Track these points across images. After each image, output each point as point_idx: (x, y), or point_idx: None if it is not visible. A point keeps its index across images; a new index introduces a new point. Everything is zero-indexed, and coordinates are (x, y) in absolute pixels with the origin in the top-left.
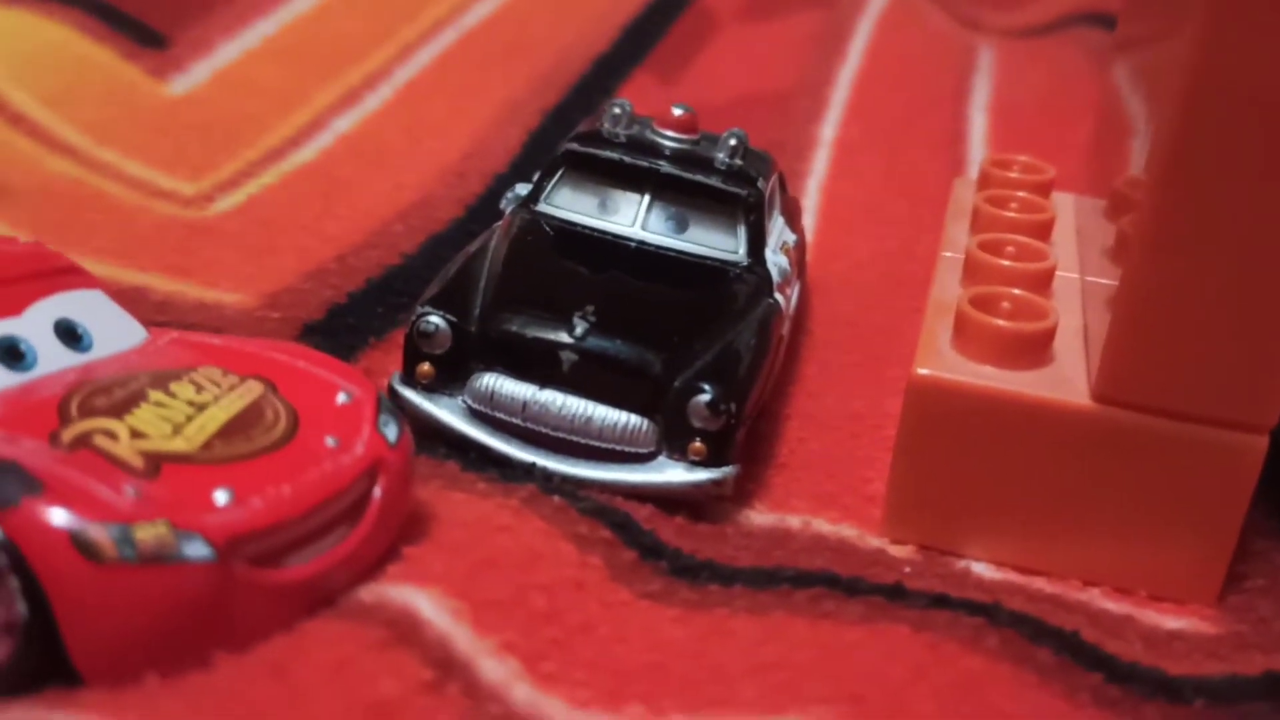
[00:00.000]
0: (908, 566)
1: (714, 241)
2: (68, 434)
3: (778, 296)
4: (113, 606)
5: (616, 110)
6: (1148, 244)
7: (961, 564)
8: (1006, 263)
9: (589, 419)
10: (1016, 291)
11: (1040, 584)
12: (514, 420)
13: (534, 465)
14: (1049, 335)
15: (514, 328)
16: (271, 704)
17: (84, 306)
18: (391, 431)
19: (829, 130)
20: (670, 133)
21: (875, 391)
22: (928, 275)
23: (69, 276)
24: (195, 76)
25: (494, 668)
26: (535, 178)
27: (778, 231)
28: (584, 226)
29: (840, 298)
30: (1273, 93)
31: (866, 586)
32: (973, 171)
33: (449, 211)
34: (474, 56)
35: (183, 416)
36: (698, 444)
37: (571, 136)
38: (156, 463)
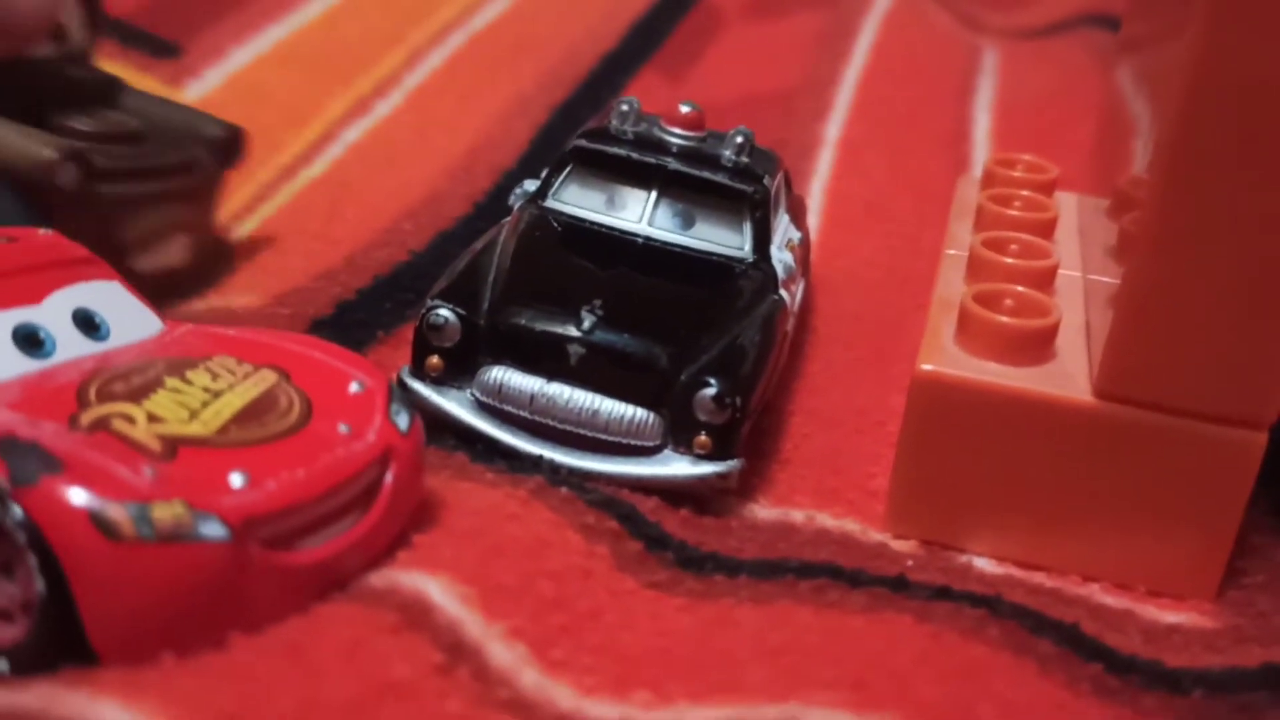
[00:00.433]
0: (910, 560)
1: (720, 238)
2: (86, 417)
3: (783, 293)
4: (130, 584)
5: (624, 107)
6: (1150, 242)
7: (963, 559)
8: (1010, 260)
9: (596, 412)
10: (1020, 289)
11: (1041, 579)
12: (522, 413)
13: (541, 457)
14: (1051, 332)
15: (522, 321)
16: (285, 684)
17: (102, 296)
18: (403, 420)
19: (834, 129)
20: (677, 130)
21: (879, 388)
22: (931, 273)
23: (87, 267)
24: (209, 82)
25: (503, 652)
26: (543, 174)
27: (783, 229)
28: (591, 222)
29: (844, 295)
30: (1274, 92)
31: (870, 578)
32: (977, 170)
33: (457, 208)
34: (483, 57)
35: (199, 402)
36: (703, 437)
37: (579, 133)
38: (173, 446)
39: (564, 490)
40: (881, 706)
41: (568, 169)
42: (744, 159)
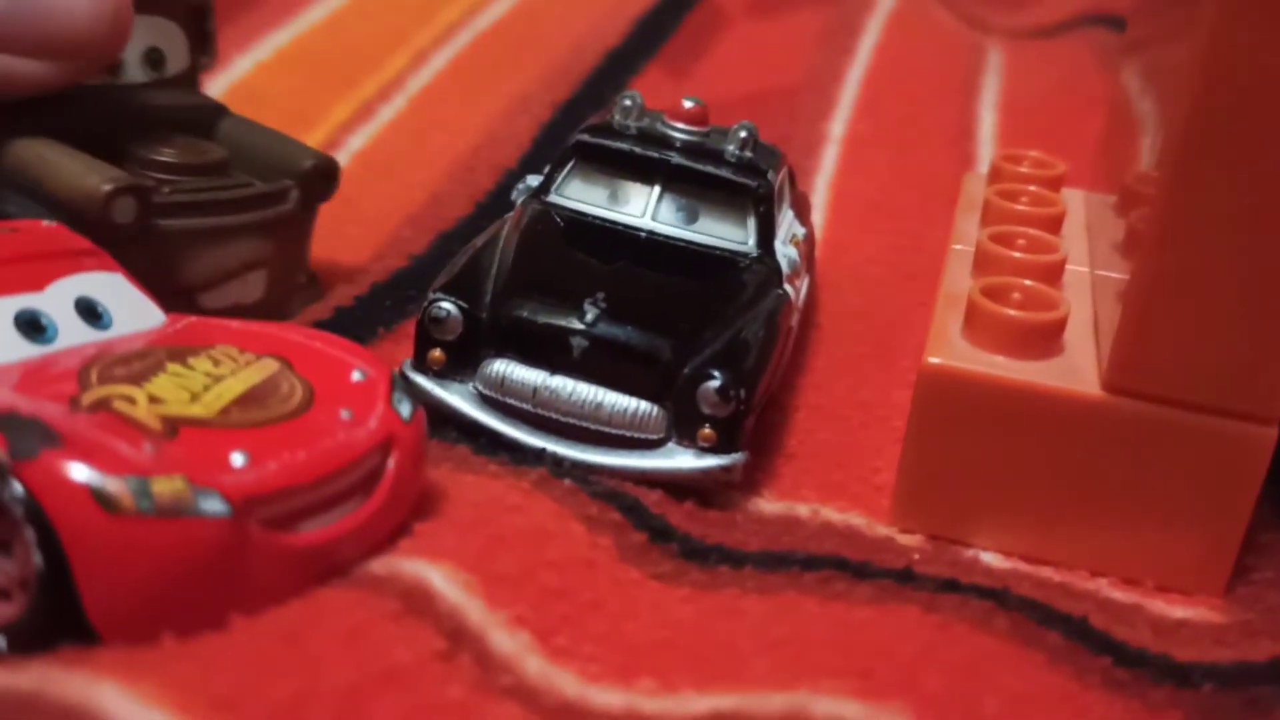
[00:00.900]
0: (916, 554)
1: (724, 232)
2: (87, 398)
3: (787, 287)
4: (129, 559)
5: (627, 102)
6: (1159, 235)
7: (969, 553)
8: (1017, 254)
9: (599, 405)
10: (1027, 282)
11: (1048, 573)
12: (525, 406)
13: (544, 450)
14: (1060, 325)
15: (525, 314)
16: (285, 668)
17: (104, 287)
18: (405, 408)
19: (838, 127)
20: (681, 125)
21: (884, 383)
22: (937, 270)
23: (91, 258)
24: (211, 90)
25: (505, 640)
26: (546, 169)
27: (787, 224)
28: (595, 217)
29: (849, 292)
30: None
31: (876, 570)
32: (982, 168)
33: (458, 209)
34: (487, 57)
35: (200, 386)
36: (707, 430)
37: (582, 128)
38: (174, 425)
39: (567, 482)
40: (888, 696)
41: (570, 164)
42: (748, 154)
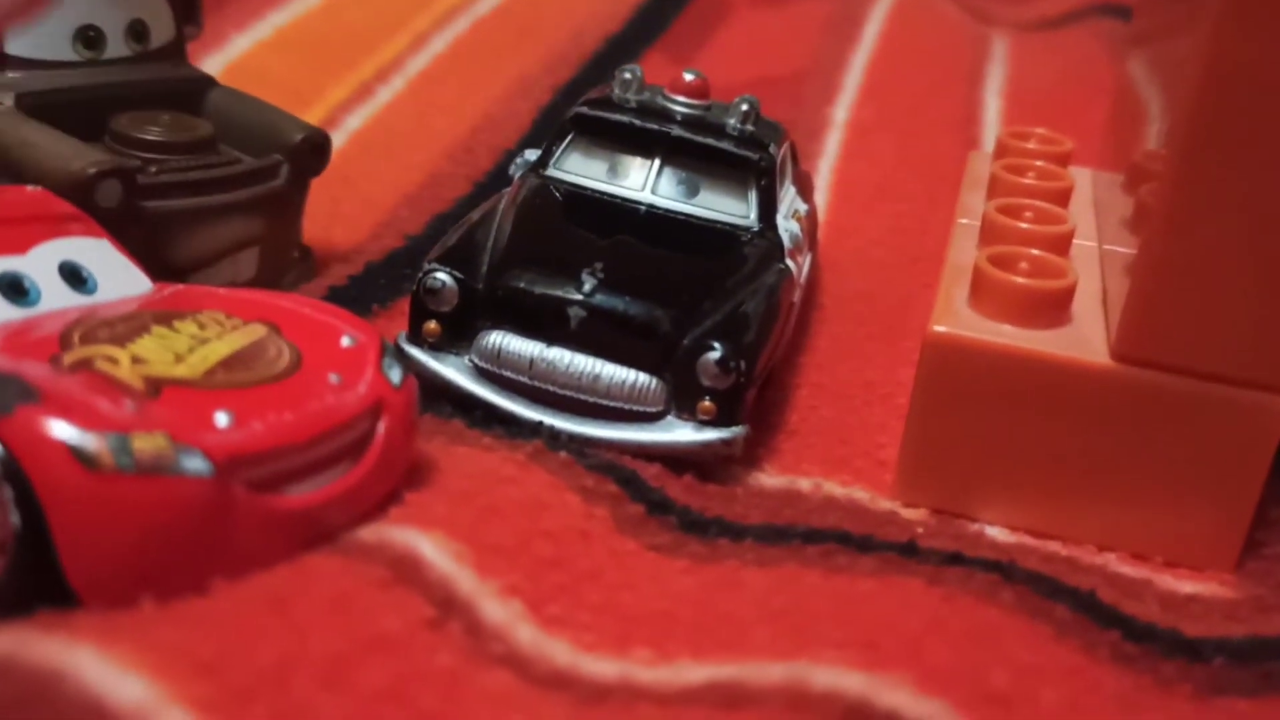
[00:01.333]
0: (920, 528)
1: (725, 206)
2: (68, 357)
3: (789, 262)
4: (109, 517)
5: (627, 75)
6: (1171, 202)
7: (974, 527)
8: (1025, 225)
9: (597, 377)
10: (1035, 252)
11: (1055, 547)
12: (521, 378)
13: (541, 423)
14: (1068, 294)
15: (522, 284)
16: (269, 634)
17: (90, 252)
18: (395, 374)
19: (842, 112)
20: (681, 98)
21: (888, 363)
22: (941, 252)
23: (76, 224)
24: (208, 69)
25: (497, 609)
26: (545, 143)
27: (789, 199)
28: (594, 190)
29: (853, 273)
30: None
31: (879, 544)
32: (987, 151)
33: (456, 190)
34: (486, 41)
35: (185, 348)
36: (707, 403)
37: (581, 101)
38: (157, 385)
39: (563, 455)
40: (892, 667)
41: (569, 137)
42: (749, 127)
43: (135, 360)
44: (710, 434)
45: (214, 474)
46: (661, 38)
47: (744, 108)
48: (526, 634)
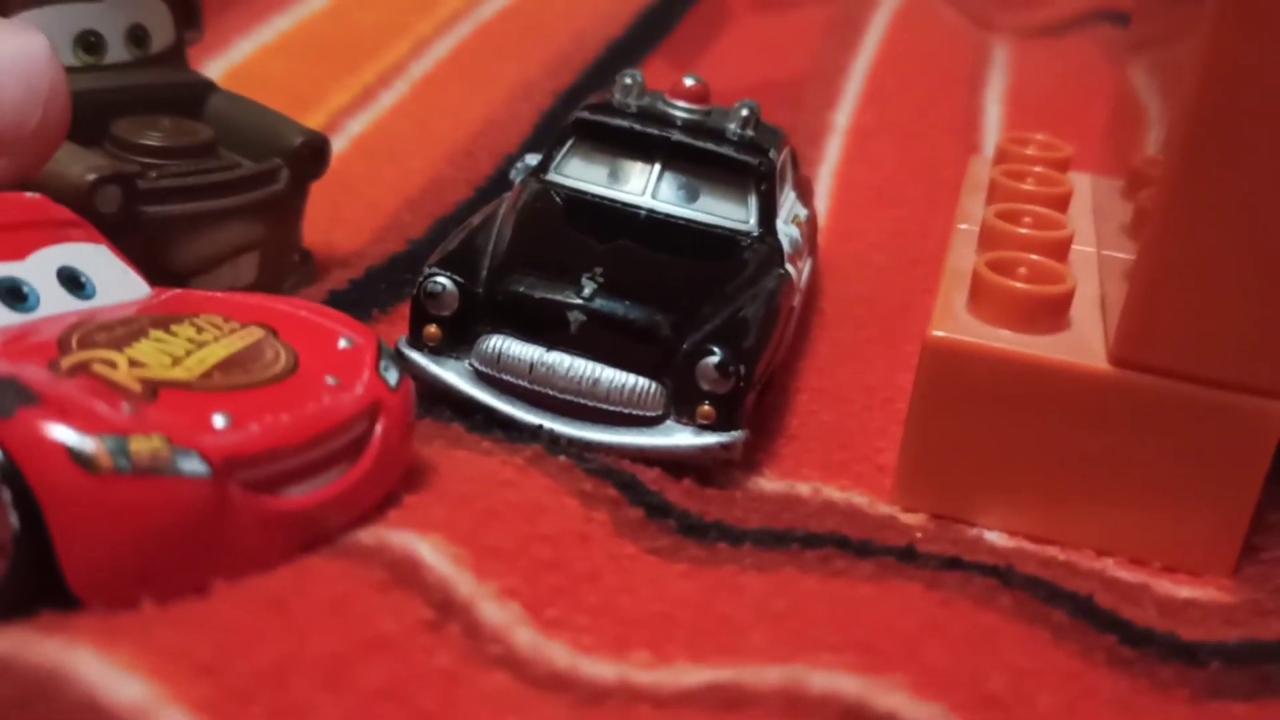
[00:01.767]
0: (919, 532)
1: (725, 211)
2: (66, 361)
3: (789, 267)
4: (107, 519)
5: (627, 80)
6: (1169, 208)
7: (973, 532)
8: (1024, 230)
9: (596, 381)
10: (1034, 257)
11: (1053, 552)
12: (521, 382)
13: (540, 427)
14: (1066, 299)
15: (522, 288)
16: (267, 636)
17: (88, 258)
18: (392, 376)
19: (842, 117)
20: (681, 103)
21: (888, 367)
22: (940, 256)
23: (75, 229)
24: (211, 73)
25: (495, 611)
26: (545, 147)
27: (789, 204)
28: (594, 195)
29: (853, 278)
30: None
31: (877, 548)
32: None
33: (458, 194)
34: (489, 46)
35: (182, 351)
36: (706, 407)
37: (582, 106)
38: (154, 388)
39: (562, 459)
40: (889, 670)
41: (569, 142)
42: (749, 132)
43: (133, 364)
44: (709, 438)
45: (211, 475)
46: (663, 43)
47: (744, 113)
48: (525, 636)
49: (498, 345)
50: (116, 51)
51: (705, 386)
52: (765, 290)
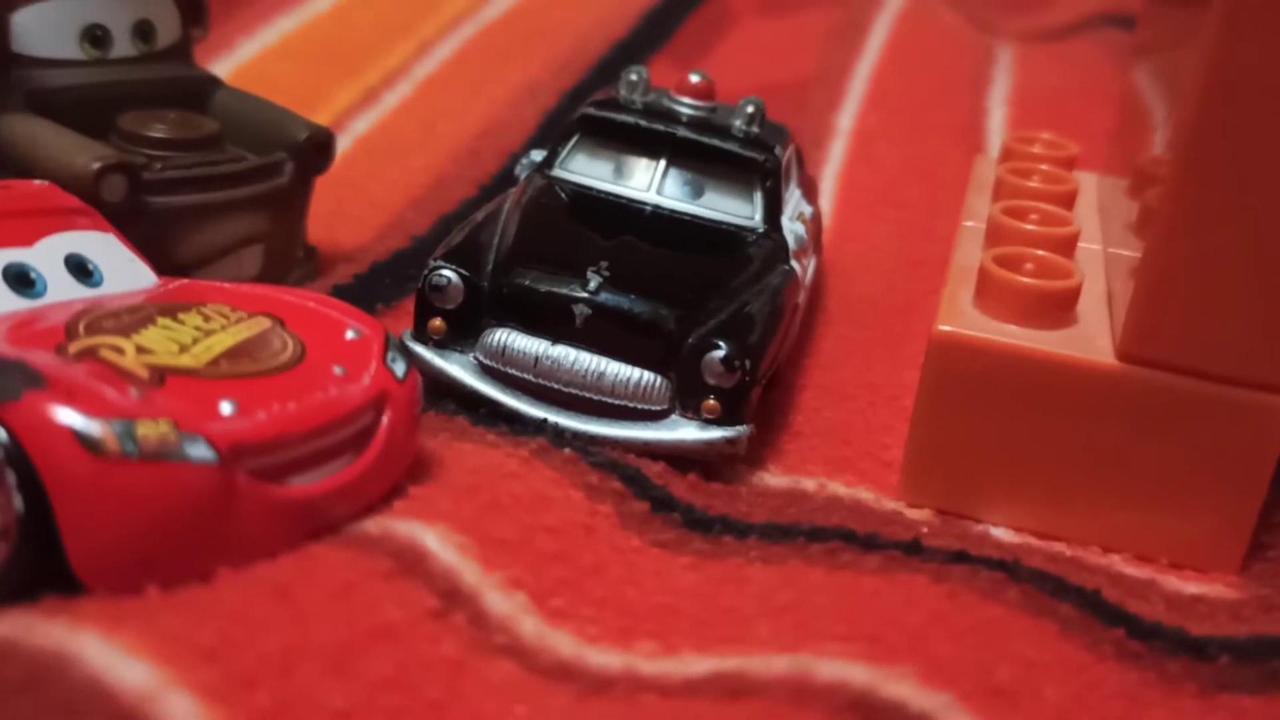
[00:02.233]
0: (925, 527)
1: (730, 207)
2: (74, 347)
3: (794, 264)
4: (113, 503)
5: (633, 77)
6: (1175, 200)
7: (979, 528)
8: (1030, 227)
9: (601, 375)
10: (1040, 253)
11: (1060, 548)
12: (525, 376)
13: (545, 420)
14: (1073, 294)
15: (527, 282)
16: (272, 622)
17: (96, 246)
18: (399, 368)
19: (846, 120)
20: (687, 99)
21: (893, 365)
22: (945, 256)
23: (82, 218)
24: (217, 74)
25: (501, 601)
26: (551, 143)
27: (795, 201)
28: (599, 191)
29: (857, 278)
30: None
31: (883, 542)
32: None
33: (462, 192)
34: (493, 48)
35: (190, 339)
36: (711, 402)
37: (588, 102)
38: (162, 374)
39: (567, 452)
40: (896, 660)
41: (575, 138)
42: (755, 129)
43: (140, 350)
44: (714, 433)
45: (218, 461)
46: (667, 45)
47: (749, 110)
48: (530, 626)
49: (502, 339)
50: (123, 46)
51: (710, 381)
52: (770, 286)
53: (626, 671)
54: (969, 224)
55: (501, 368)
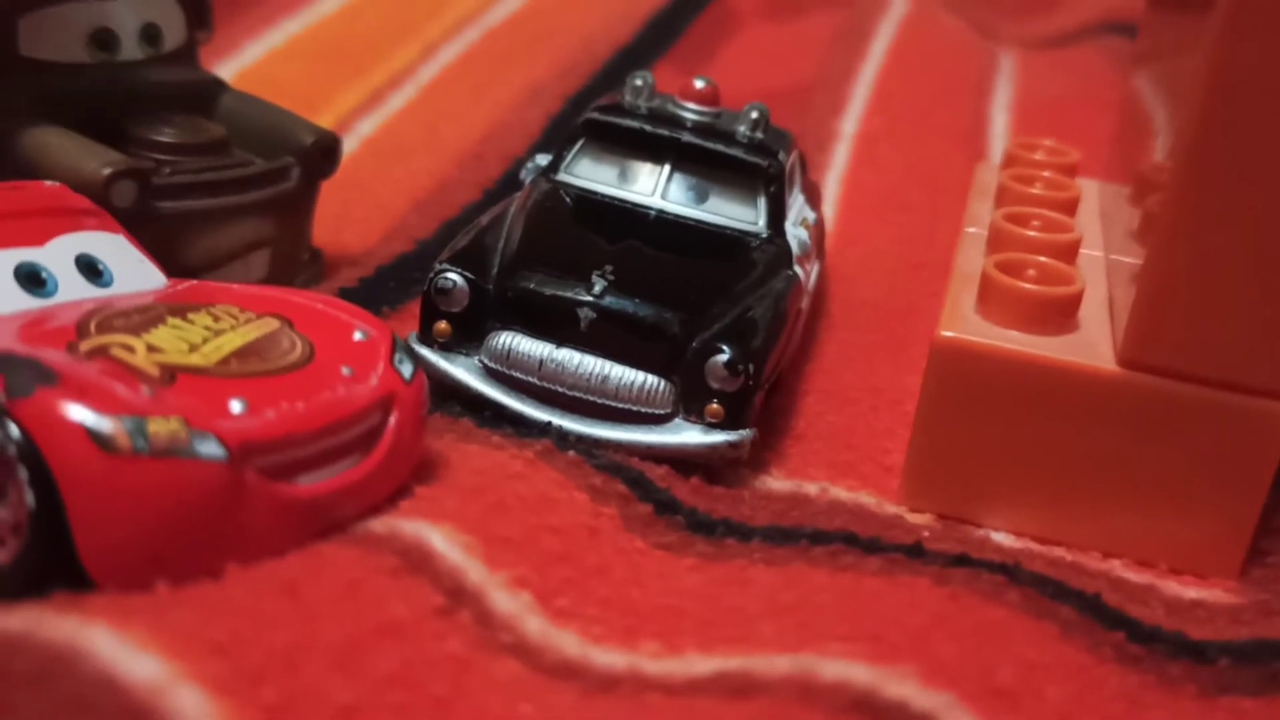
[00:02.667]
0: (926, 531)
1: (734, 212)
2: (85, 345)
3: (797, 269)
4: (123, 499)
5: (638, 82)
6: (1177, 207)
7: (980, 532)
8: (1032, 233)
9: (606, 378)
10: (1042, 259)
11: (1060, 553)
12: (530, 379)
13: (550, 423)
14: (1075, 300)
15: (532, 285)
16: (280, 618)
17: (106, 246)
18: (407, 369)
19: (849, 124)
20: (692, 105)
21: (895, 370)
22: (947, 261)
23: (92, 218)
24: (222, 76)
25: (506, 600)
26: (556, 148)
27: (798, 207)
28: (604, 195)
29: (860, 282)
30: None
31: (885, 545)
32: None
33: (466, 196)
34: (497, 51)
35: (199, 338)
36: (715, 406)
37: (593, 107)
38: (172, 373)
39: (571, 454)
40: (899, 660)
41: (580, 142)
42: (759, 134)
43: (151, 349)
44: (718, 436)
45: (228, 459)
46: (671, 49)
47: (754, 115)
48: (535, 625)
49: (507, 342)
50: (130, 49)
51: (714, 385)
52: (774, 291)
53: (631, 671)
54: (971, 230)
55: (506, 371)
